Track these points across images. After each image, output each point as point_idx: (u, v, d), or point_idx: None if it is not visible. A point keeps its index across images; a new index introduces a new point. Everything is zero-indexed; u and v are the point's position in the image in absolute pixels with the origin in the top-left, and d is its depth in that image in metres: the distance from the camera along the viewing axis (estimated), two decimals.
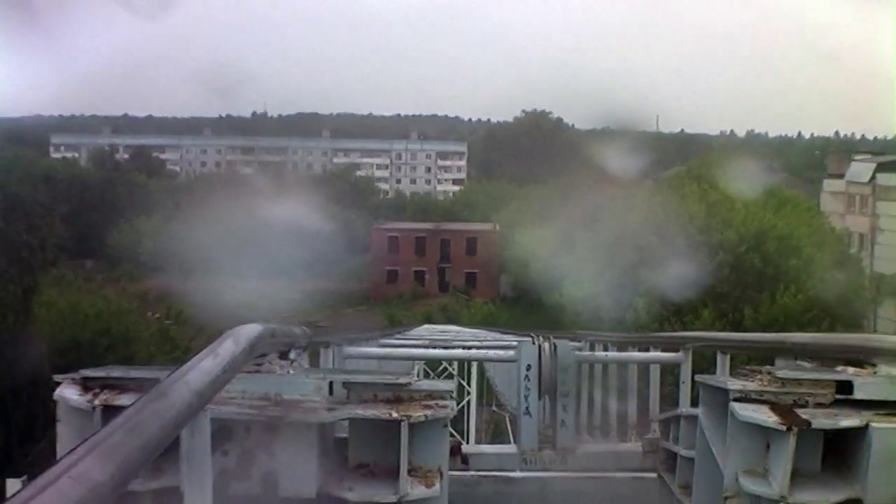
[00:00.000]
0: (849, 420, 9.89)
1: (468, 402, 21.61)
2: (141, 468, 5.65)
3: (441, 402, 10.48)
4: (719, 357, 12.20)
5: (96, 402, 9.20)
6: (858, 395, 10.29)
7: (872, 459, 9.70)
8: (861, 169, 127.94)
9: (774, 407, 10.20)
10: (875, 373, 10.67)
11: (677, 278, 65.26)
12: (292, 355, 11.00)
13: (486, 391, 24.06)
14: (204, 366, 7.28)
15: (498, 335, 16.80)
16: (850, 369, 10.92)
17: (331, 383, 10.58)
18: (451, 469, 11.14)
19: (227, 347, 7.87)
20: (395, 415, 9.94)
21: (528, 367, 13.87)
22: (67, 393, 9.35)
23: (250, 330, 8.39)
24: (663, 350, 14.60)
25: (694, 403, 12.52)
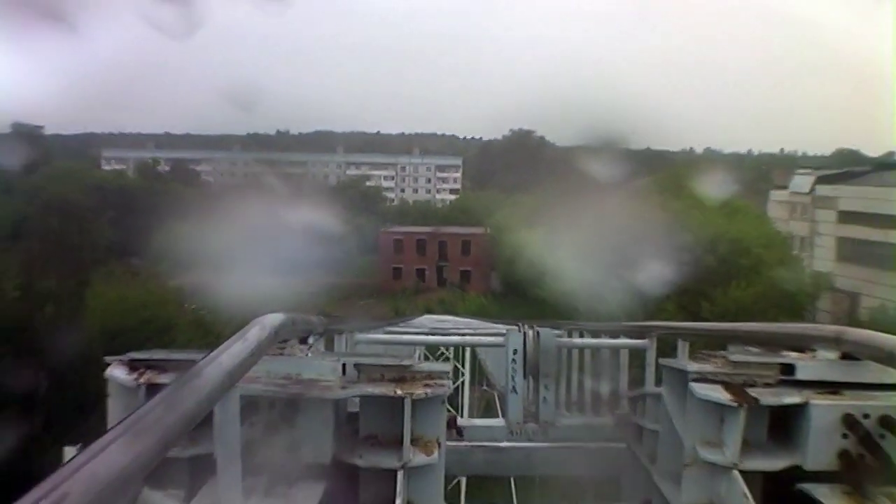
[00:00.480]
0: (791, 398, 10.07)
1: (462, 382, 21.55)
2: (179, 438, 5.71)
3: (439, 382, 10.66)
4: (679, 343, 12.25)
5: (141, 380, 9.44)
6: (800, 376, 10.50)
7: (811, 432, 9.89)
8: (802, 181, 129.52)
9: (727, 386, 10.32)
10: (814, 356, 10.93)
11: (644, 275, 65.53)
12: (310, 340, 11.10)
13: (479, 372, 23.94)
14: (234, 349, 7.36)
15: (489, 324, 16.83)
16: (793, 354, 11.12)
17: (344, 365, 10.67)
18: (447, 440, 11.21)
19: (254, 333, 7.95)
20: (399, 392, 10.16)
21: (515, 352, 13.97)
22: (116, 372, 9.53)
23: (274, 318, 8.44)
24: (631, 337, 14.67)
25: (658, 383, 12.59)
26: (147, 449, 5.24)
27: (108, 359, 10.03)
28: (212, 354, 7.03)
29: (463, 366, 18.06)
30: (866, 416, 9.88)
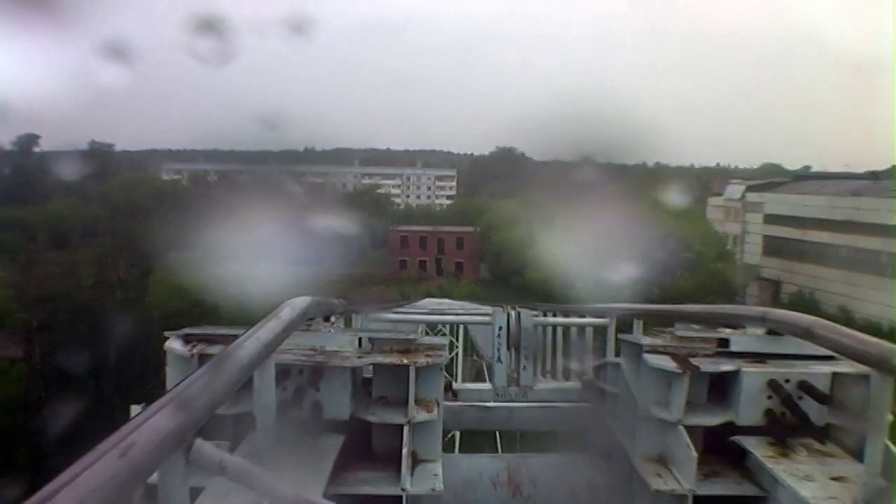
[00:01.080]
0: (726, 366, 10.21)
1: (457, 354, 21.44)
2: (225, 399, 5.90)
3: (438, 353, 10.77)
4: (635, 322, 12.30)
5: (194, 351, 9.55)
6: (733, 348, 10.76)
7: (742, 394, 10.04)
8: (735, 190, 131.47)
9: (674, 357, 10.42)
10: (744, 333, 11.07)
11: (606, 266, 65.73)
12: (332, 319, 11.20)
13: (470, 346, 23.82)
14: (269, 326, 7.56)
15: (478, 306, 16.84)
16: (727, 330, 11.27)
17: (360, 339, 10.76)
18: (444, 400, 11.25)
19: (287, 313, 8.18)
20: (405, 361, 10.24)
21: (500, 329, 14.03)
22: (174, 345, 9.64)
23: (303, 301, 8.62)
24: (595, 317, 14.71)
25: (617, 354, 12.62)
26: (198, 408, 5.36)
27: (167, 334, 10.16)
28: (251, 330, 7.24)
29: (457, 340, 18.01)
30: (787, 380, 10.01)
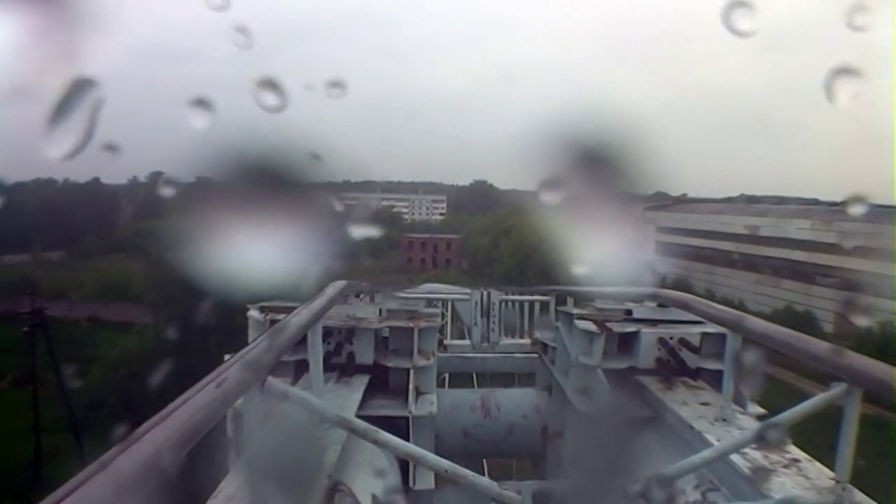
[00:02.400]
0: (630, 328, 10.41)
1: (447, 321, 21.03)
2: (286, 350, 6.25)
3: (433, 319, 11.14)
4: (569, 299, 12.42)
5: (267, 318, 9.69)
6: (635, 315, 10.95)
7: (641, 347, 10.26)
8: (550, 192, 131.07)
9: (595, 321, 10.58)
10: (642, 305, 11.32)
11: (552, 262, 65.48)
12: (361, 296, 11.29)
13: (455, 316, 23.39)
14: (318, 300, 7.92)
15: (461, 288, 16.88)
16: (631, 304, 11.42)
17: (380, 309, 11.16)
18: (438, 352, 11.33)
19: (330, 291, 8.56)
20: (411, 325, 10.51)
21: (476, 303, 14.26)
22: (253, 313, 9.90)
23: (340, 283, 8.93)
24: (542, 295, 14.84)
25: (556, 320, 12.68)
26: (270, 355, 5.55)
27: (248, 306, 10.49)
28: (305, 303, 7.63)
29: (447, 312, 17.79)
30: (671, 338, 10.32)
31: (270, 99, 2.94)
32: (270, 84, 2.96)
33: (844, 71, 3.05)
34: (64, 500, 2.94)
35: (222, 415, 4.47)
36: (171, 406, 3.98)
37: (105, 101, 2.20)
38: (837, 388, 5.84)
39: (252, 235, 2.67)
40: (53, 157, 2.17)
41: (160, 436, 3.57)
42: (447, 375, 13.65)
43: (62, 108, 2.16)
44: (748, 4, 2.97)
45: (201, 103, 2.62)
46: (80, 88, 2.16)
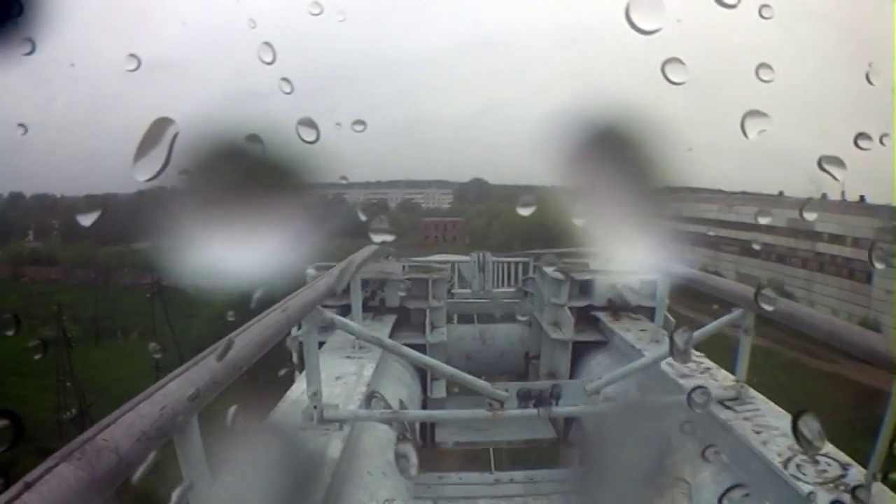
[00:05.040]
0: (588, 276, 10.40)
1: (455, 278, 20.94)
2: (334, 288, 6.00)
3: (444, 272, 11.13)
4: (543, 258, 12.33)
5: (318, 273, 9.30)
6: (592, 267, 10.68)
7: (596, 289, 10.33)
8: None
9: (562, 271, 10.52)
10: (595, 258, 11.16)
11: (531, 235, 65.40)
12: (389, 257, 11.11)
13: (460, 274, 23.33)
14: (357, 257, 7.90)
15: (463, 256, 16.88)
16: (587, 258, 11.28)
17: (403, 265, 11.02)
18: (447, 298, 11.32)
19: (366, 251, 8.40)
20: (426, 276, 10.54)
21: (475, 263, 14.18)
22: (311, 271, 9.49)
23: (373, 247, 8.62)
24: (524, 257, 14.83)
25: (534, 273, 12.67)
26: (322, 290, 5.49)
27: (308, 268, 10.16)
28: (348, 260, 7.41)
29: (454, 270, 17.70)
30: (618, 283, 10.31)
31: (308, 134, 2.96)
32: (308, 122, 2.97)
33: (754, 113, 3.07)
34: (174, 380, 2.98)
35: (287, 331, 4.57)
36: (253, 321, 4.08)
37: (179, 134, 2.27)
38: (736, 312, 5.95)
39: (293, 224, 2.60)
40: (140, 180, 2.25)
41: (244, 342, 3.72)
42: (455, 316, 13.60)
43: (147, 142, 2.23)
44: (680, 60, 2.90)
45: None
46: (161, 126, 2.23)
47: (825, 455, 4.69)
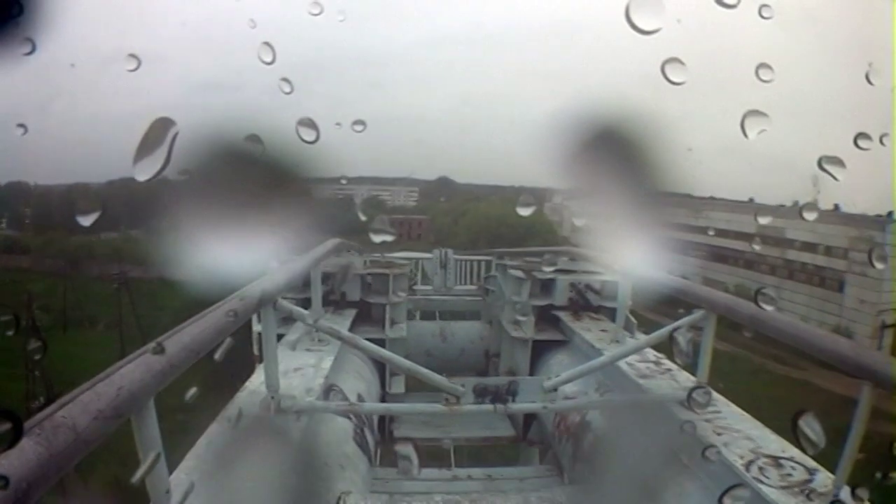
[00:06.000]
0: (549, 275, 10.43)
1: (418, 275, 20.84)
2: (293, 280, 6.44)
3: (404, 268, 11.14)
4: (507, 258, 12.37)
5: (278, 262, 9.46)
6: (559, 267, 10.71)
7: (557, 289, 10.37)
8: (558, 198, 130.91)
9: (523, 270, 10.60)
10: (557, 257, 11.23)
11: (497, 234, 65.38)
12: (351, 251, 11.13)
13: (423, 271, 23.24)
14: (317, 250, 7.79)
15: (427, 253, 16.89)
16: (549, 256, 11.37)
17: (365, 260, 11.06)
18: (409, 294, 11.42)
19: (327, 245, 8.28)
20: (387, 271, 10.48)
21: (438, 260, 14.34)
22: (273, 263, 9.48)
23: (335, 241, 8.62)
24: (486, 255, 14.94)
25: (496, 271, 12.81)
26: (281, 280, 5.67)
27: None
28: (310, 253, 7.36)
29: (416, 266, 17.73)
30: (580, 283, 10.46)
31: (308, 134, 3.06)
32: (309, 122, 3.06)
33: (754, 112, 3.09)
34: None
35: (244, 321, 4.53)
36: (209, 309, 4.13)
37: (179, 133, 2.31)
38: (698, 314, 5.92)
39: (268, 219, 2.69)
40: (140, 179, 2.30)
41: (200, 328, 3.74)
42: (418, 313, 13.68)
43: (147, 142, 2.27)
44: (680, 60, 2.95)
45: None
46: (162, 126, 2.27)
47: (790, 459, 4.74)
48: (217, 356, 3.93)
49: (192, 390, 3.66)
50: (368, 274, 10.73)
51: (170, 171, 2.36)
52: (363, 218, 4.08)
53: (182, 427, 4.68)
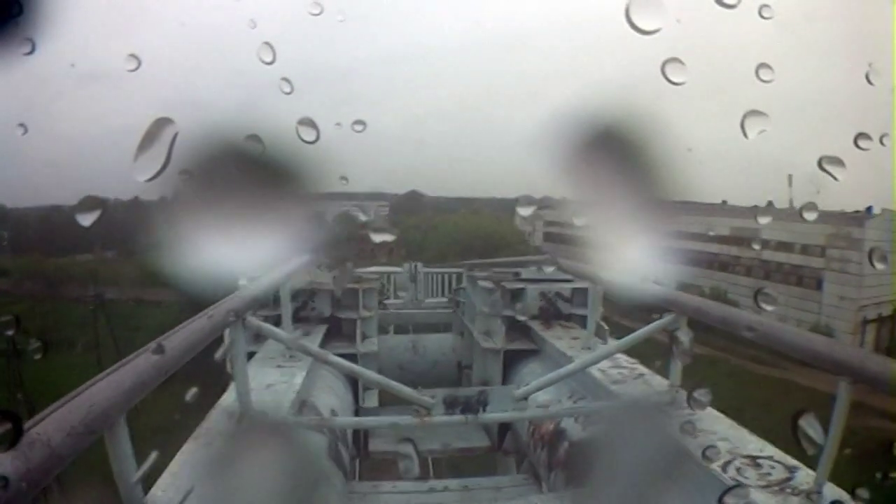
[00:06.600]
0: (519, 285, 10.61)
1: (390, 290, 20.84)
2: (262, 297, 6.70)
3: (374, 282, 11.23)
4: (475, 269, 12.43)
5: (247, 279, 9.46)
6: (523, 276, 11.02)
7: (527, 298, 10.48)
8: (529, 208, 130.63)
9: (492, 281, 10.70)
10: (528, 268, 11.32)
11: (460, 244, 65.02)
12: (321, 267, 11.14)
13: (395, 284, 23.16)
14: (287, 266, 7.65)
15: (398, 267, 16.99)
16: (521, 269, 11.41)
17: (335, 277, 10.82)
18: (379, 309, 11.48)
19: (296, 262, 8.03)
20: (357, 286, 10.52)
21: (408, 274, 14.44)
22: (242, 281, 9.50)
23: (304, 258, 8.54)
24: (456, 268, 15.02)
25: (465, 283, 12.91)
26: (249, 298, 5.76)
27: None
28: (278, 268, 7.25)
29: (388, 280, 17.76)
30: (549, 292, 10.66)
31: (308, 134, 3.11)
32: (309, 122, 3.11)
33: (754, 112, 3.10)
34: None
35: (213, 338, 4.56)
36: (179, 327, 4.17)
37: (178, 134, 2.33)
38: (669, 317, 6.04)
39: (239, 230, 2.74)
40: (140, 180, 2.30)
41: (171, 345, 3.83)
42: (392, 327, 13.80)
43: (146, 142, 2.29)
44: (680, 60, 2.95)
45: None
46: (160, 126, 2.30)
47: (768, 458, 4.75)
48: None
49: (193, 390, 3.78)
50: (342, 289, 10.72)
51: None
52: (363, 218, 4.12)
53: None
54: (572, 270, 10.33)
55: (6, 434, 2.25)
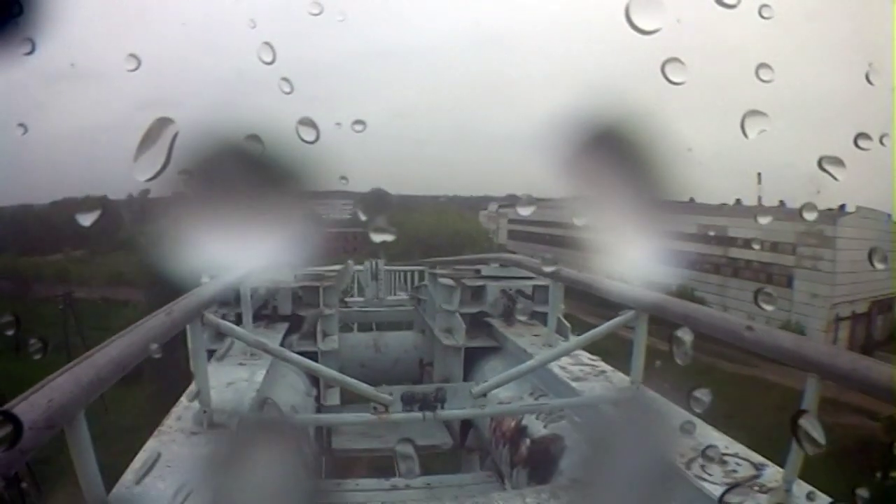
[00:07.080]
0: (479, 282, 10.72)
1: (353, 288, 20.83)
2: (220, 294, 6.71)
3: (334, 280, 11.26)
4: (437, 267, 12.46)
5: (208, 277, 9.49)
6: (483, 273, 11.17)
7: (488, 296, 10.54)
8: (493, 207, 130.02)
9: (453, 278, 10.79)
10: (489, 265, 11.46)
11: (431, 245, 64.94)
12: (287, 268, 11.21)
13: (358, 282, 23.08)
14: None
15: (360, 265, 17.04)
16: (481, 266, 11.57)
17: (295, 275, 11.00)
18: (341, 307, 11.58)
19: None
20: (318, 284, 10.67)
21: (369, 271, 14.46)
22: (204, 279, 9.50)
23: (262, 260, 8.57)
24: (418, 266, 15.10)
25: (426, 280, 12.96)
26: (208, 295, 5.82)
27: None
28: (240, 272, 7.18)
29: (353, 280, 17.80)
30: (510, 289, 10.65)
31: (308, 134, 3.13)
32: (309, 122, 3.13)
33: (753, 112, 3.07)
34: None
35: (171, 336, 4.59)
36: (137, 324, 4.20)
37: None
38: (629, 314, 6.15)
39: (213, 233, 2.77)
40: (140, 179, 2.28)
41: (127, 342, 3.86)
42: (355, 325, 13.83)
43: (146, 141, 2.28)
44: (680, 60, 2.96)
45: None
46: (161, 125, 2.29)
47: (734, 455, 4.80)
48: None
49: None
50: (299, 287, 10.77)
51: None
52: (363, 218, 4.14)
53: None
54: (533, 267, 10.42)
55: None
